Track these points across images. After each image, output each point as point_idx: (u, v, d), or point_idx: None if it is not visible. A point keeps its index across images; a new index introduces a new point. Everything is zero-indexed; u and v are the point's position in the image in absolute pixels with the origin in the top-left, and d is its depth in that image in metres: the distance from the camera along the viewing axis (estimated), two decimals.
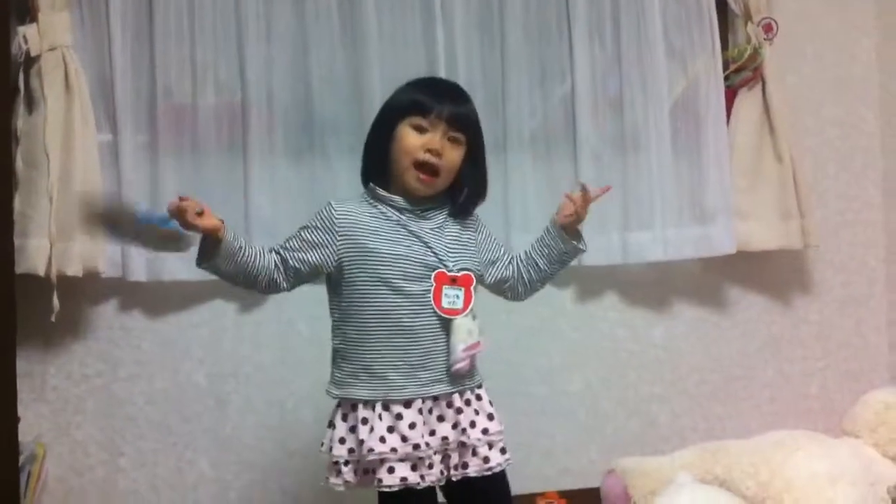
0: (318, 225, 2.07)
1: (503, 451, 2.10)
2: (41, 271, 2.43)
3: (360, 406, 2.02)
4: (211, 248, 1.98)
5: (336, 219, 2.06)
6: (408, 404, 2.02)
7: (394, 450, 1.98)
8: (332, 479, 2.05)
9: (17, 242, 2.35)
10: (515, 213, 2.83)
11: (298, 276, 2.10)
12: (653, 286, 2.98)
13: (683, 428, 2.99)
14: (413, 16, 2.81)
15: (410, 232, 2.06)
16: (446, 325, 2.04)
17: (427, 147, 2.04)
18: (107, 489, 2.66)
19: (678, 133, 2.95)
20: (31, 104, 2.50)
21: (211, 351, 2.71)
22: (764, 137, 2.96)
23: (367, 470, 2.02)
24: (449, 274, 2.05)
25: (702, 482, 2.62)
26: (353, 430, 2.03)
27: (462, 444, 2.05)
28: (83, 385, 2.64)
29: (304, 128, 2.74)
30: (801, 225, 2.94)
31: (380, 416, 2.01)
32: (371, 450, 1.98)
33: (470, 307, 2.06)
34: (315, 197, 2.71)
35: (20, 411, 2.32)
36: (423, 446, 2.00)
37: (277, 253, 2.08)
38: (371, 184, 2.12)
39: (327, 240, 2.05)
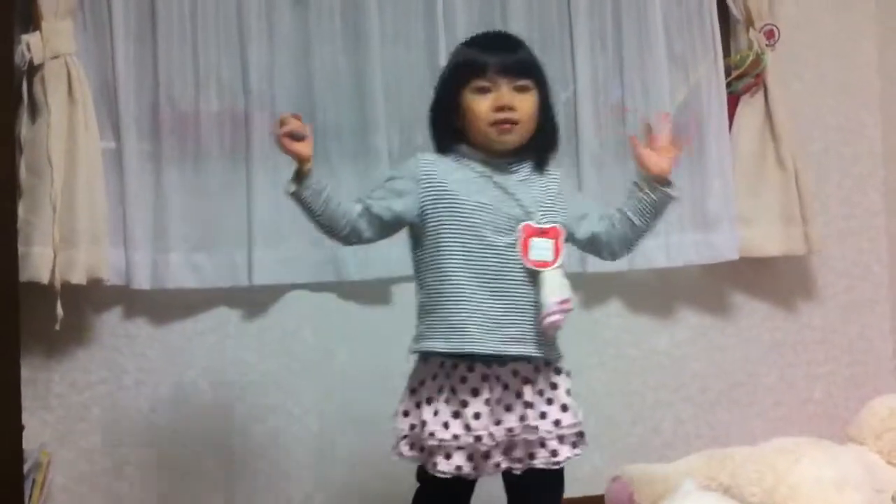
0: (403, 174, 2.03)
1: (574, 444, 2.02)
2: (45, 279, 2.43)
3: (429, 381, 1.98)
4: (299, 178, 1.96)
5: (420, 167, 2.01)
6: (475, 392, 1.95)
7: (455, 437, 1.93)
8: (393, 449, 2.03)
9: (20, 250, 2.34)
10: None
11: (382, 225, 2.02)
12: (656, 292, 2.98)
13: (688, 434, 2.98)
14: (416, 20, 2.82)
15: (496, 184, 1.99)
16: (534, 280, 1.95)
17: (496, 106, 1.97)
18: (111, 497, 2.65)
19: (680, 140, 2.94)
20: (34, 112, 2.49)
21: (215, 359, 2.71)
22: (766, 144, 2.96)
23: (423, 448, 1.98)
24: (536, 226, 1.96)
25: (707, 489, 2.61)
26: (418, 406, 1.99)
27: (528, 437, 1.97)
28: (87, 393, 2.64)
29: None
30: (804, 231, 2.94)
31: (446, 400, 1.96)
32: (432, 434, 1.94)
33: (560, 260, 1.97)
34: None
35: (24, 419, 2.31)
36: (485, 438, 1.94)
37: (360, 201, 2.02)
38: (447, 142, 2.05)
39: (411, 187, 1.99)
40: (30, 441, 2.45)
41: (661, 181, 2.04)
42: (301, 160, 1.94)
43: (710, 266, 2.94)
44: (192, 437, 2.69)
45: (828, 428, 3.00)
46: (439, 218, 1.98)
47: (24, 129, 2.48)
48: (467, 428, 1.93)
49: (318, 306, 2.75)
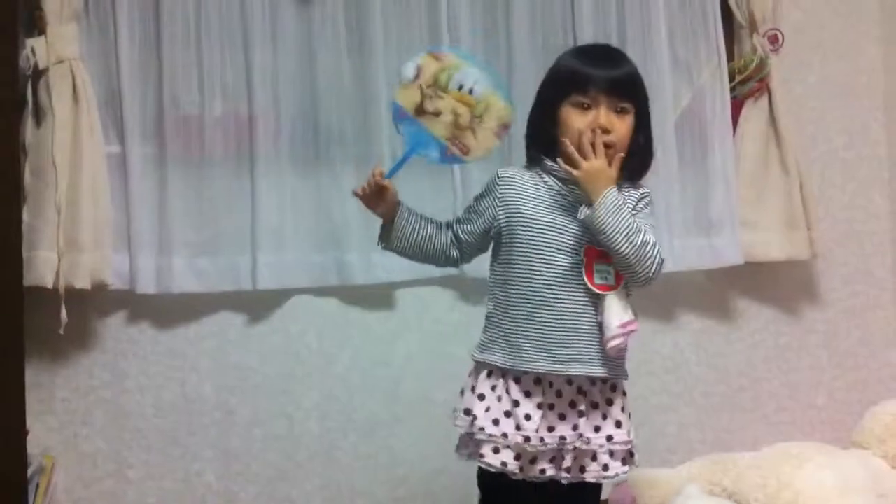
0: (483, 192, 2.09)
1: (624, 461, 2.03)
2: (49, 283, 2.44)
3: (484, 379, 2.02)
4: (385, 234, 2.10)
5: (498, 184, 2.06)
6: (528, 394, 1.98)
7: (504, 435, 1.97)
8: (457, 449, 2.08)
9: (25, 255, 2.35)
10: None
11: (472, 246, 2.12)
12: (660, 297, 2.97)
13: (691, 439, 2.98)
14: (419, 26, 2.82)
15: (570, 203, 2.00)
16: (596, 302, 1.97)
17: (593, 126, 1.96)
18: (115, 501, 2.65)
19: (684, 144, 2.95)
20: (39, 116, 2.50)
21: (218, 363, 2.71)
22: (770, 148, 2.96)
23: (474, 443, 2.02)
24: (599, 248, 1.96)
25: (710, 494, 2.61)
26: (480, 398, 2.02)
27: (580, 448, 1.99)
28: (91, 397, 2.64)
29: (311, 137, 2.74)
30: (808, 235, 2.95)
31: (499, 398, 2.00)
32: (482, 429, 1.98)
33: (623, 283, 1.98)
34: (321, 207, 2.72)
35: (28, 423, 2.32)
36: (533, 440, 1.96)
37: (450, 228, 2.12)
38: (536, 152, 2.07)
39: (489, 203, 2.06)
40: (34, 445, 2.46)
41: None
42: (384, 216, 2.07)
43: (714, 270, 2.94)
44: (195, 440, 2.69)
45: (831, 433, 3.00)
46: (511, 235, 2.02)
47: (29, 133, 2.49)
48: (517, 427, 1.97)
49: (321, 311, 2.76)
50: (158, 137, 2.64)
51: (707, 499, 2.60)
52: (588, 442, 1.99)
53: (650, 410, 2.96)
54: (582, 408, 2.00)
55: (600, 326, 1.97)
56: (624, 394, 2.07)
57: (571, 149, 1.96)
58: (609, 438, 2.00)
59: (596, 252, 1.97)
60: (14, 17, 2.33)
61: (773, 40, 2.97)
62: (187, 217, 2.65)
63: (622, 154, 1.99)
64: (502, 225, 2.04)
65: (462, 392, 2.08)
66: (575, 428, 1.99)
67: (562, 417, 1.99)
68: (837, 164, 3.15)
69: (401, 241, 2.08)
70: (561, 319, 1.97)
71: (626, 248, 1.93)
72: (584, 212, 1.96)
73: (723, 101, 2.95)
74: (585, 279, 1.96)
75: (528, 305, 1.98)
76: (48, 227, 2.45)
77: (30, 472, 2.38)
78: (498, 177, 2.07)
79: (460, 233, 2.10)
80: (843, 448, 2.82)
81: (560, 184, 2.02)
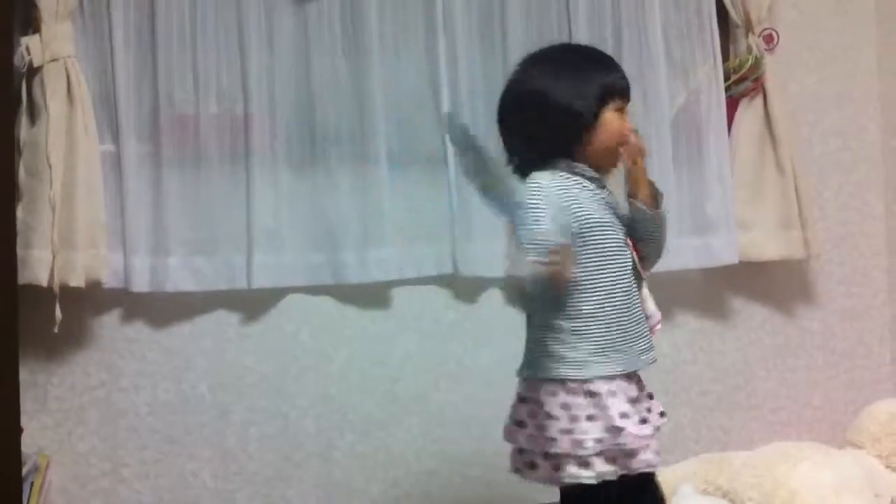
0: (543, 205, 1.93)
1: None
2: (44, 282, 2.43)
3: (601, 392, 1.96)
4: None
5: (552, 191, 1.96)
6: (631, 390, 2.01)
7: (648, 436, 1.99)
8: (584, 472, 1.96)
9: (19, 253, 2.34)
10: None
11: None
12: (655, 296, 2.95)
13: (686, 438, 2.98)
14: (415, 27, 2.82)
15: (604, 201, 2.04)
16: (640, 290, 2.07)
17: (630, 129, 2.05)
18: (110, 500, 2.65)
19: (679, 144, 2.95)
20: (33, 114, 2.49)
21: (214, 362, 2.71)
22: (765, 148, 2.97)
23: (624, 454, 1.96)
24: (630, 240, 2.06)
25: (705, 493, 2.62)
26: (590, 418, 1.95)
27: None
28: (86, 396, 2.64)
29: (306, 138, 2.74)
30: (804, 235, 2.95)
31: (628, 400, 1.99)
32: (632, 434, 1.95)
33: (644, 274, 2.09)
34: (317, 207, 2.72)
35: (23, 422, 2.31)
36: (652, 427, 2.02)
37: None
38: (556, 155, 2.03)
39: (557, 215, 1.94)
40: (28, 444, 2.45)
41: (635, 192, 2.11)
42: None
43: (710, 270, 2.94)
44: (191, 439, 2.69)
45: (826, 432, 3.01)
46: (586, 241, 1.97)
47: (24, 131, 2.48)
48: (644, 421, 2.00)
49: (316, 310, 2.75)
50: (153, 136, 2.64)
51: (702, 498, 2.60)
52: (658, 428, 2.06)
53: None
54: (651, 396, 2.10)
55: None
56: None
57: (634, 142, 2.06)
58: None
59: (633, 243, 2.05)
60: (8, 14, 2.32)
61: (769, 40, 2.97)
62: (182, 216, 2.65)
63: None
64: (575, 233, 1.97)
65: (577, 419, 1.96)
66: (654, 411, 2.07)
67: (651, 397, 2.09)
68: (832, 165, 3.16)
69: None
70: (636, 312, 2.04)
71: (665, 234, 2.12)
72: (638, 206, 2.07)
73: (718, 100, 2.95)
74: (641, 270, 2.05)
75: (621, 307, 1.99)
76: (43, 225, 2.45)
77: (24, 470, 2.37)
78: (545, 186, 1.97)
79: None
80: (838, 447, 2.83)
81: (591, 183, 2.03)
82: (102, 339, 2.65)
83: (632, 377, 2.03)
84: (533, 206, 1.91)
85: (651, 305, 2.08)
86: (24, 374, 2.41)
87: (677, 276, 2.94)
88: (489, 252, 2.75)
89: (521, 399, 2.07)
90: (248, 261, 2.65)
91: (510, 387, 2.83)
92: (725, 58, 2.99)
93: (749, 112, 2.97)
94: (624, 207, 2.08)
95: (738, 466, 2.67)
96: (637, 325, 2.03)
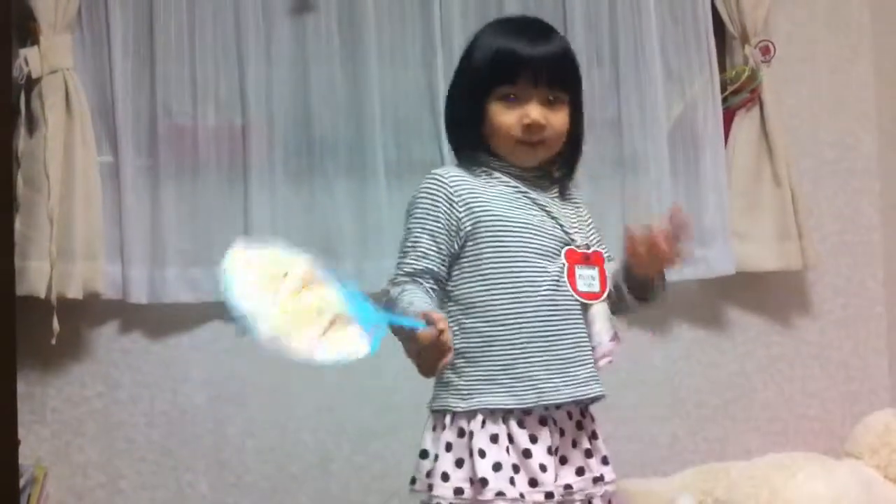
0: (430, 201, 1.72)
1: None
2: (41, 293, 2.43)
3: (475, 431, 1.67)
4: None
5: (448, 184, 1.72)
6: (534, 438, 1.68)
7: (522, 496, 1.64)
8: None
9: (17, 264, 2.35)
10: None
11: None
12: (651, 307, 2.97)
13: (683, 449, 2.98)
14: (413, 38, 2.82)
15: (532, 201, 1.75)
16: (583, 312, 1.73)
17: (524, 121, 1.73)
18: None
19: (676, 155, 2.96)
20: (31, 126, 2.50)
21: (211, 373, 2.71)
22: (762, 159, 2.97)
23: None
24: (580, 251, 1.74)
25: None
26: (459, 463, 1.68)
27: (590, 499, 1.74)
28: (83, 407, 2.63)
29: (304, 149, 2.75)
30: (800, 246, 2.95)
31: (507, 450, 1.67)
32: (500, 494, 1.62)
33: (607, 290, 1.76)
34: (315, 218, 2.72)
35: (20, 434, 2.31)
36: (556, 495, 1.68)
37: (418, 280, 1.71)
38: (473, 151, 1.80)
39: (444, 210, 1.70)
40: (26, 456, 2.45)
41: (642, 279, 1.81)
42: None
43: (706, 281, 2.94)
44: (188, 451, 2.69)
45: (824, 443, 3.00)
46: (480, 244, 1.71)
47: (22, 143, 2.48)
48: (532, 483, 1.67)
49: None
50: (151, 148, 2.64)
51: None
52: (600, 487, 1.76)
53: (642, 421, 2.96)
54: (587, 445, 1.78)
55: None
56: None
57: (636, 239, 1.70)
58: (600, 479, 1.78)
59: (577, 255, 1.74)
60: (7, 26, 2.33)
61: (765, 51, 2.98)
62: (180, 227, 2.65)
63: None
64: (468, 233, 1.71)
65: (424, 454, 1.74)
66: (581, 472, 1.76)
67: (564, 461, 1.73)
68: (828, 176, 3.16)
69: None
70: (569, 335, 1.72)
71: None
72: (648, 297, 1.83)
73: (715, 111, 2.96)
74: (569, 286, 1.71)
75: (530, 325, 1.69)
76: (40, 236, 2.45)
77: (22, 482, 2.37)
78: (443, 178, 1.73)
79: (436, 269, 1.71)
80: (835, 458, 2.82)
81: (514, 179, 1.77)
82: (100, 351, 2.65)
83: (546, 421, 1.71)
84: (417, 218, 1.70)
85: (602, 330, 1.73)
86: (22, 386, 2.41)
87: (673, 287, 2.89)
88: None
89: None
90: None
91: None
92: (722, 69, 3.00)
93: (745, 123, 2.98)
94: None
95: (735, 477, 2.67)
96: (575, 349, 1.72)
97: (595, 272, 1.75)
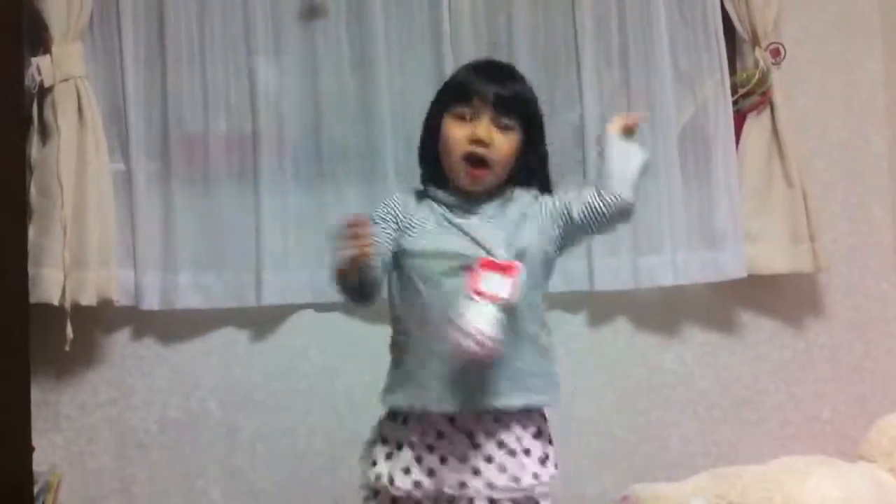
0: (383, 216, 1.93)
1: None
2: (55, 301, 2.44)
3: (392, 430, 1.91)
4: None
5: (394, 207, 1.93)
6: (441, 435, 1.86)
7: (417, 484, 1.84)
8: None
9: (31, 272, 2.35)
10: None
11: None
12: (663, 310, 2.98)
13: (695, 453, 2.97)
14: (422, 43, 2.83)
15: (454, 225, 1.89)
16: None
17: (472, 138, 1.85)
18: None
19: (687, 157, 2.96)
20: (44, 134, 2.51)
21: (223, 379, 2.72)
22: (773, 161, 2.97)
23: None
24: (495, 261, 1.80)
25: None
26: (388, 457, 1.90)
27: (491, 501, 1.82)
28: (97, 414, 2.65)
29: (314, 155, 2.76)
30: (812, 248, 2.94)
31: (411, 445, 1.87)
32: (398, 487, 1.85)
33: (514, 297, 1.76)
34: (326, 224, 2.72)
35: (34, 440, 2.32)
36: (448, 489, 1.83)
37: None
38: (426, 179, 1.98)
39: (391, 229, 1.91)
40: (40, 462, 2.45)
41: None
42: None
43: (717, 284, 2.94)
44: (200, 457, 2.70)
45: (836, 446, 2.99)
46: (401, 264, 1.90)
47: (35, 151, 2.50)
48: (430, 473, 1.84)
49: (325, 326, 2.76)
50: (163, 155, 2.66)
51: None
52: (496, 489, 1.83)
53: (654, 424, 2.96)
54: (490, 451, 1.86)
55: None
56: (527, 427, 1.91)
57: None
58: (517, 480, 1.85)
59: (490, 263, 1.80)
60: (19, 35, 2.34)
61: (775, 54, 2.98)
62: (192, 233, 2.66)
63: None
64: (397, 253, 1.90)
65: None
66: (476, 472, 1.84)
67: (463, 460, 1.86)
68: (840, 177, 3.15)
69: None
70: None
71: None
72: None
73: (725, 114, 2.95)
74: (465, 284, 1.76)
75: (424, 338, 1.86)
76: (54, 244, 2.46)
77: (36, 488, 2.38)
78: (397, 199, 1.96)
79: (387, 256, 1.90)
80: (848, 461, 2.82)
81: (443, 207, 1.92)
82: (113, 357, 2.66)
83: (447, 436, 1.86)
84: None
85: (475, 322, 1.73)
86: (36, 393, 2.42)
87: (685, 290, 2.94)
88: None
89: None
90: (257, 278, 2.66)
91: None
92: (732, 72, 3.00)
93: (756, 126, 2.97)
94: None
95: (747, 481, 2.67)
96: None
97: (503, 279, 1.77)
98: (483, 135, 1.86)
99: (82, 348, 2.58)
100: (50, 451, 2.60)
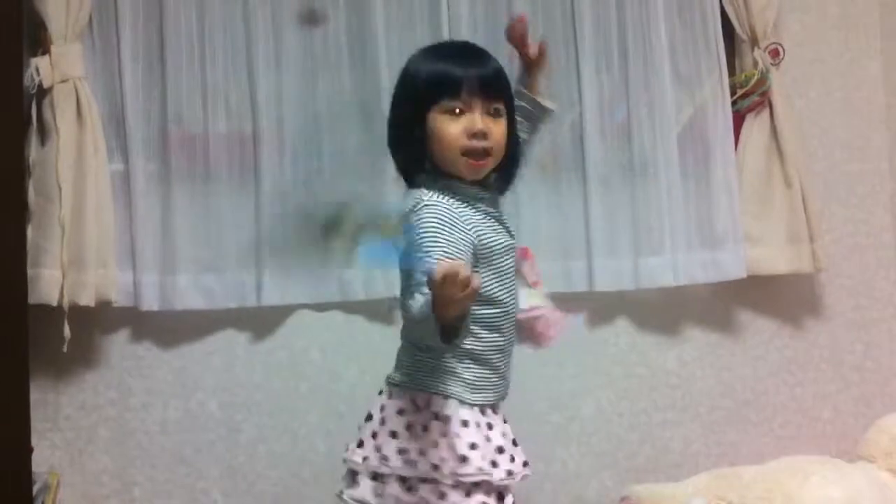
0: (443, 224, 1.75)
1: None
2: (54, 301, 2.44)
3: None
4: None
5: (446, 208, 1.78)
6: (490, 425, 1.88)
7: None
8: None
9: (29, 273, 2.36)
10: (524, 239, 2.83)
11: None
12: (664, 311, 2.97)
13: (696, 453, 2.97)
14: (422, 43, 2.81)
15: (495, 219, 1.88)
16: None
17: (470, 132, 1.81)
18: None
19: (686, 159, 2.95)
20: (43, 135, 2.51)
21: (223, 380, 2.71)
22: (772, 162, 2.97)
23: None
24: (521, 247, 1.92)
25: None
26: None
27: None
28: (96, 414, 2.64)
29: (314, 155, 2.75)
30: (812, 249, 2.94)
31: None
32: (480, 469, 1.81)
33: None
34: (326, 224, 2.72)
35: (33, 441, 2.32)
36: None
37: None
38: (431, 177, 1.86)
39: (459, 234, 1.76)
40: (39, 463, 2.46)
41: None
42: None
43: (718, 285, 2.94)
44: (201, 458, 2.69)
45: (837, 446, 2.99)
46: (480, 264, 1.82)
47: (34, 151, 2.50)
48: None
49: (325, 327, 2.76)
50: (162, 155, 2.66)
51: None
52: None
53: (655, 425, 2.96)
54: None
55: None
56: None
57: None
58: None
59: (521, 252, 1.92)
60: (18, 35, 2.34)
61: (774, 54, 2.98)
62: (191, 234, 2.66)
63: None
64: (476, 251, 1.81)
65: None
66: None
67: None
68: (839, 178, 3.15)
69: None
70: (511, 344, 1.93)
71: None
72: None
73: (725, 115, 2.95)
74: (526, 281, 1.91)
75: (506, 332, 1.89)
76: (53, 245, 2.46)
77: (35, 489, 2.38)
78: (440, 206, 1.79)
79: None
80: (849, 461, 2.81)
81: (477, 201, 1.87)
82: (112, 358, 2.66)
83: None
84: (428, 228, 1.72)
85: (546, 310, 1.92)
86: (35, 394, 2.41)
87: (685, 291, 2.94)
88: None
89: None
90: (257, 278, 2.66)
91: (517, 401, 2.84)
92: (731, 72, 3.00)
93: (756, 126, 2.97)
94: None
95: (748, 481, 2.66)
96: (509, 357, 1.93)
97: (534, 265, 1.96)
98: (481, 127, 1.82)
99: (81, 349, 2.57)
100: (49, 451, 2.60)
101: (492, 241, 1.83)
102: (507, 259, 1.86)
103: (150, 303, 2.62)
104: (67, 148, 2.49)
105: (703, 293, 2.99)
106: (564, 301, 2.80)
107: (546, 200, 2.87)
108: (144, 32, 2.66)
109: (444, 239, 1.73)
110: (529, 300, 1.91)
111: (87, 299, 2.49)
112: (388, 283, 2.69)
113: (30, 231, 2.44)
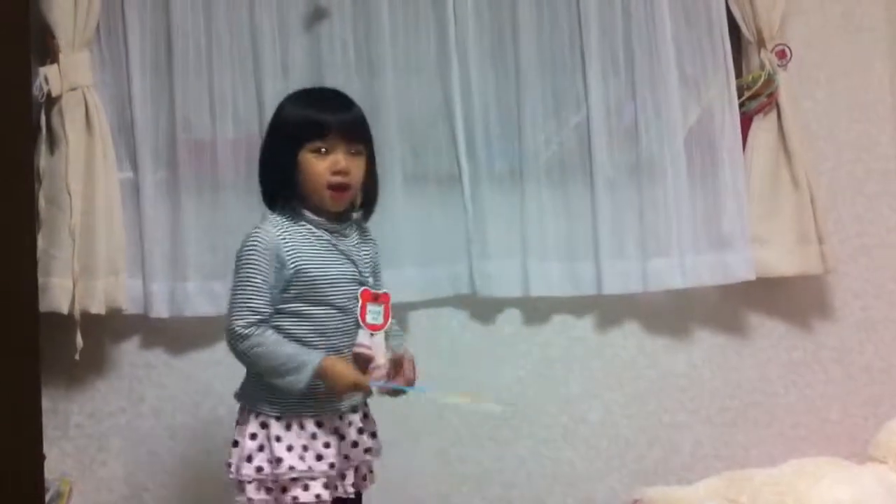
0: (263, 256, 2.04)
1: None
2: (64, 309, 2.45)
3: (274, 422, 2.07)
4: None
5: (275, 240, 2.05)
6: (320, 423, 2.09)
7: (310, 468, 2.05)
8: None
9: (40, 281, 2.35)
10: (532, 241, 2.84)
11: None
12: (672, 313, 2.97)
13: (705, 456, 2.97)
14: (428, 49, 2.83)
15: (336, 248, 2.10)
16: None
17: (333, 170, 2.06)
18: None
19: (694, 160, 2.95)
20: (52, 144, 2.53)
21: (232, 386, 2.70)
22: (780, 163, 2.96)
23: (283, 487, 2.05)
24: (372, 291, 2.10)
25: None
26: (261, 448, 2.06)
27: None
28: (107, 422, 2.65)
29: None
30: (820, 250, 2.94)
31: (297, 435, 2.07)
32: (291, 468, 2.03)
33: (388, 323, 2.12)
34: None
35: (45, 449, 2.32)
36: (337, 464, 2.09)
37: (267, 322, 2.05)
38: (289, 205, 2.12)
39: (276, 266, 2.04)
40: (50, 470, 2.46)
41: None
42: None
43: (726, 287, 2.94)
44: (210, 464, 2.69)
45: (847, 448, 2.99)
46: (295, 293, 2.05)
47: (43, 160, 2.51)
48: (319, 458, 2.07)
49: None
50: (171, 163, 2.67)
51: None
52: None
53: (665, 428, 2.96)
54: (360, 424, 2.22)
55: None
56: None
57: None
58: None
59: (369, 294, 2.09)
60: (27, 44, 2.34)
61: (781, 56, 2.97)
62: (200, 241, 2.67)
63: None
64: (290, 283, 2.05)
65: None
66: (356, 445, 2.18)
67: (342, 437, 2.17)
68: (847, 179, 3.15)
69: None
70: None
71: None
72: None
73: (732, 116, 2.95)
74: (360, 320, 2.08)
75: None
76: (63, 253, 2.47)
77: (47, 497, 2.39)
78: (269, 232, 2.06)
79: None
80: (859, 463, 2.81)
81: (325, 232, 2.10)
82: (122, 366, 2.67)
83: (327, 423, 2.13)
84: (252, 267, 2.03)
85: (380, 357, 2.11)
86: (46, 402, 2.42)
87: (693, 293, 2.94)
88: (506, 271, 2.79)
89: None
90: None
91: (528, 406, 2.85)
92: (738, 74, 2.99)
93: (763, 127, 2.97)
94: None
95: (759, 484, 2.66)
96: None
97: (381, 309, 2.11)
98: (343, 166, 2.07)
99: (92, 357, 2.58)
100: (60, 458, 2.61)
101: (316, 272, 2.05)
102: (335, 289, 2.08)
103: (160, 310, 2.62)
104: (76, 156, 2.50)
105: (712, 295, 2.98)
106: (568, 306, 2.86)
107: (553, 203, 2.87)
108: (152, 40, 2.67)
109: (252, 287, 2.02)
110: (362, 338, 2.08)
111: (97, 307, 2.50)
112: (399, 291, 2.69)
113: (40, 239, 2.44)
